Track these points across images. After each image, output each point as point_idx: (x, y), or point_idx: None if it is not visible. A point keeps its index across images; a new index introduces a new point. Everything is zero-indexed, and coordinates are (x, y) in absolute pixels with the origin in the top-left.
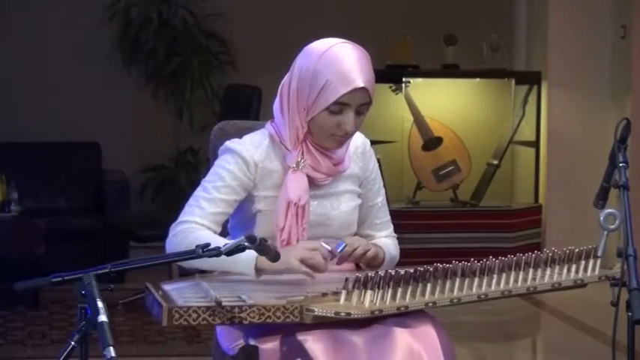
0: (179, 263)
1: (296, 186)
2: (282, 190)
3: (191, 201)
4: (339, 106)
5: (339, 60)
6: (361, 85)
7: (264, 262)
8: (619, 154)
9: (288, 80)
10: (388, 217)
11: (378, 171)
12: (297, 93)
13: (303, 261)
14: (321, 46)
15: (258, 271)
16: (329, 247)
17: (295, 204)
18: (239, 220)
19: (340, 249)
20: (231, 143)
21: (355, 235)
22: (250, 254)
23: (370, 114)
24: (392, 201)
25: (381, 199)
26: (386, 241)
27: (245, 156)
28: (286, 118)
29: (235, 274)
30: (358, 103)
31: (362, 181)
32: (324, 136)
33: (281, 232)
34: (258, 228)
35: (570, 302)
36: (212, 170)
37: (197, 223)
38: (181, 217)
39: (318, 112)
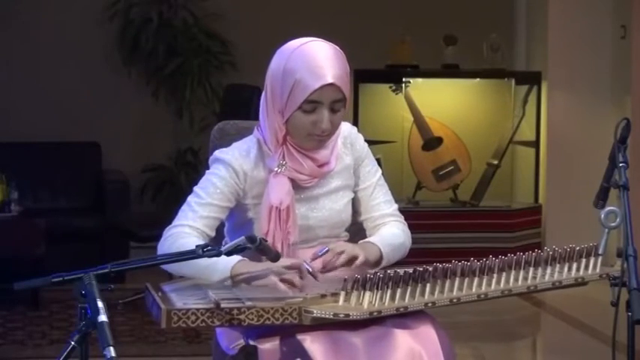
0: (165, 267)
1: (277, 190)
2: (264, 195)
3: (184, 206)
4: (312, 105)
5: (308, 57)
6: (330, 80)
7: (239, 271)
8: (619, 154)
9: (265, 82)
10: (388, 197)
11: (369, 152)
12: (271, 94)
13: (280, 275)
14: (293, 44)
15: (234, 281)
16: (310, 268)
17: (277, 208)
18: (234, 225)
19: (321, 253)
20: (221, 153)
21: (358, 221)
22: (226, 266)
23: (370, 114)
24: None
25: (375, 179)
26: (384, 233)
27: (234, 165)
28: (266, 120)
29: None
30: (330, 100)
31: (353, 167)
32: (301, 136)
33: (265, 236)
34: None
35: (570, 302)
36: (204, 178)
37: (190, 226)
38: (175, 222)
39: (292, 112)
